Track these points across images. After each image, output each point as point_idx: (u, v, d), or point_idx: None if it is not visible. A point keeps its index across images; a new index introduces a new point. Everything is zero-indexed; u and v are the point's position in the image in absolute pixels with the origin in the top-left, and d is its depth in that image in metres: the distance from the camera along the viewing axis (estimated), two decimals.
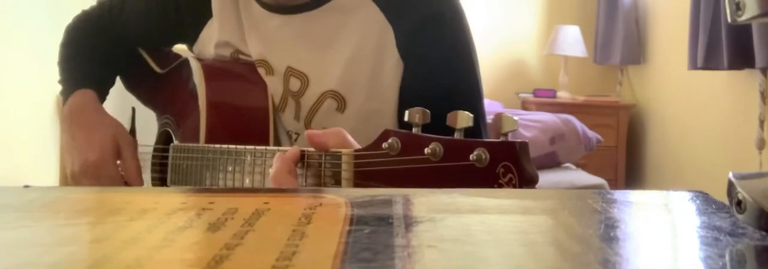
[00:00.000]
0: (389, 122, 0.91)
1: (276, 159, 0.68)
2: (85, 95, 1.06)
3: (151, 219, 0.34)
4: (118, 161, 1.02)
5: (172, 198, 0.41)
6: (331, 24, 0.92)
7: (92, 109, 1.05)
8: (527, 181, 0.53)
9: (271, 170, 0.68)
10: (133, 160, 1.02)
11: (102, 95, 1.09)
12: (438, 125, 0.60)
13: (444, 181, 0.56)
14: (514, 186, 0.53)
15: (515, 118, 0.55)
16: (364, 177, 0.65)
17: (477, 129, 0.88)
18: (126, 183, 1.01)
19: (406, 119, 0.61)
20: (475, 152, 0.55)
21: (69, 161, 1.02)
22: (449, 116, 0.58)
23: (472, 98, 0.92)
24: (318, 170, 0.68)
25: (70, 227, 0.34)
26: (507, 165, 0.53)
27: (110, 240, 0.30)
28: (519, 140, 0.54)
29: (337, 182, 0.67)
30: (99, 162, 0.99)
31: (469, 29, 0.93)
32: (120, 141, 1.02)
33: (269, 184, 0.70)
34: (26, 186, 0.43)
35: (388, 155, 0.61)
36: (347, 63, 0.90)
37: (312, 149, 0.69)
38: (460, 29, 0.92)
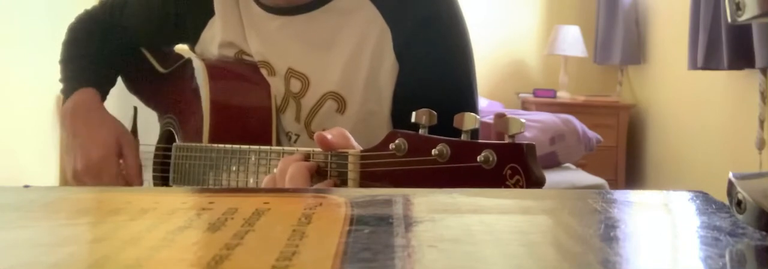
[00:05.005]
0: (385, 124, 0.91)
1: (294, 166, 0.67)
2: (86, 94, 1.06)
3: (151, 219, 0.34)
4: (120, 161, 1.02)
5: (172, 198, 0.41)
6: (330, 26, 0.92)
7: (94, 108, 1.05)
8: (535, 183, 0.53)
9: (287, 176, 0.67)
10: (135, 159, 1.02)
11: (103, 95, 1.10)
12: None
13: (451, 182, 0.56)
14: (522, 188, 0.53)
15: (522, 120, 0.55)
16: (370, 178, 0.64)
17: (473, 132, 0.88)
18: (126, 183, 1.01)
19: (412, 120, 0.61)
20: (482, 154, 0.55)
21: (70, 159, 1.02)
22: (456, 117, 0.58)
23: (466, 100, 0.92)
24: (324, 170, 0.68)
25: (70, 227, 0.34)
26: (514, 167, 0.53)
27: (110, 240, 0.30)
28: (525, 142, 0.54)
29: (344, 183, 0.67)
30: (102, 160, 0.99)
31: (466, 31, 0.93)
32: (122, 140, 1.02)
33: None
34: (26, 186, 0.43)
35: (395, 155, 0.61)
36: (346, 64, 0.90)
37: (317, 149, 0.69)
38: (457, 31, 0.92)
